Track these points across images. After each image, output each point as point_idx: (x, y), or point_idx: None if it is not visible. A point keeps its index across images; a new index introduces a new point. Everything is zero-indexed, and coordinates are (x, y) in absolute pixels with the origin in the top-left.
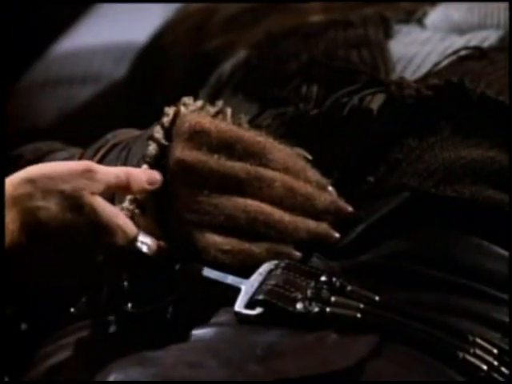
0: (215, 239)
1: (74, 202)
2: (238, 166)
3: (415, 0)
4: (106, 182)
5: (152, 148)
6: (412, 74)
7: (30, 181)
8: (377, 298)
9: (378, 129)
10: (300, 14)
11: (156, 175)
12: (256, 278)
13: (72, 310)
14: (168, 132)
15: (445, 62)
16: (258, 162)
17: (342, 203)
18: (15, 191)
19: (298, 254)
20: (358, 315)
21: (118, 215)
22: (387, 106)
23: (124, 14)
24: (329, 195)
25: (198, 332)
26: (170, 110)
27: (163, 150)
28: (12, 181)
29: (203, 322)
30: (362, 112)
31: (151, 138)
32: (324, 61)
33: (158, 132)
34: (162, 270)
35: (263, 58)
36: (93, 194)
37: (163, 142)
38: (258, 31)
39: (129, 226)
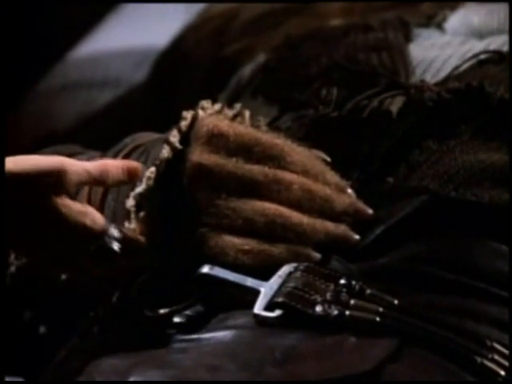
0: (234, 241)
1: (40, 204)
2: (256, 169)
3: (436, 0)
4: (78, 181)
5: (165, 151)
6: (432, 77)
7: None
8: (396, 302)
9: (398, 131)
10: (320, 17)
11: (135, 165)
12: (275, 281)
13: (91, 313)
14: (186, 136)
15: (464, 66)
16: (276, 164)
17: (361, 205)
18: None
19: (317, 255)
20: (377, 319)
21: (85, 214)
22: (407, 108)
23: (144, 17)
24: (347, 197)
25: (216, 335)
26: (187, 114)
27: (177, 154)
28: None
29: (222, 325)
30: (381, 115)
31: (166, 141)
32: (344, 64)
33: (174, 136)
34: (181, 273)
35: (283, 62)
36: (62, 194)
37: (177, 145)
38: (277, 35)
39: (96, 223)
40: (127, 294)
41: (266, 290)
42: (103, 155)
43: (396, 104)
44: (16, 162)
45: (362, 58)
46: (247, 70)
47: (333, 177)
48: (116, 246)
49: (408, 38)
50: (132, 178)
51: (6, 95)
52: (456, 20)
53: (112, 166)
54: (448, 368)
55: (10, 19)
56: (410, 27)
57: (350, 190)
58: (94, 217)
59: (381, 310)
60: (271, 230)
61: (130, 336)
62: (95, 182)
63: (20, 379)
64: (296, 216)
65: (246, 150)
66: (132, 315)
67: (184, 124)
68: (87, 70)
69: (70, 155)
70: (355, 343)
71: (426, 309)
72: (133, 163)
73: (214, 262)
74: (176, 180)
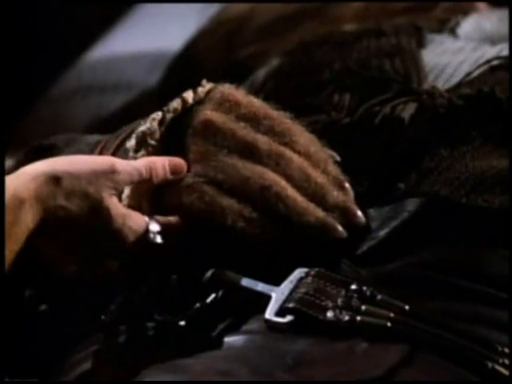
0: (234, 205)
1: (94, 206)
2: (260, 138)
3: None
4: (129, 181)
5: (176, 102)
6: (444, 83)
7: (56, 179)
8: (407, 307)
9: (410, 137)
10: (333, 22)
11: (180, 163)
12: (286, 286)
13: (102, 317)
14: (199, 101)
15: (477, 72)
16: (281, 141)
17: (353, 206)
18: (39, 188)
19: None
20: (388, 324)
21: (126, 214)
22: (419, 114)
23: (156, 22)
24: (343, 194)
25: (228, 339)
26: (206, 84)
27: (186, 109)
28: (35, 176)
29: (233, 330)
30: (393, 121)
31: (179, 96)
32: (357, 69)
33: (187, 94)
34: (192, 278)
35: (296, 66)
36: (111, 197)
37: (189, 100)
38: (290, 39)
39: (138, 222)
40: (137, 298)
41: (277, 295)
42: (102, 140)
43: (408, 110)
44: (71, 162)
45: (374, 64)
46: (260, 75)
47: (334, 169)
48: (159, 238)
49: (421, 44)
50: (176, 173)
51: (19, 98)
52: (468, 26)
53: (159, 165)
54: (459, 373)
55: (24, 22)
56: (422, 33)
57: (348, 187)
58: (135, 216)
59: (392, 315)
60: (265, 197)
61: (141, 340)
62: (144, 181)
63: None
64: (291, 190)
65: (255, 120)
66: (144, 319)
67: (201, 89)
68: (100, 74)
69: (69, 141)
70: (366, 349)
71: (436, 314)
72: (176, 159)
73: (209, 221)
74: (179, 131)
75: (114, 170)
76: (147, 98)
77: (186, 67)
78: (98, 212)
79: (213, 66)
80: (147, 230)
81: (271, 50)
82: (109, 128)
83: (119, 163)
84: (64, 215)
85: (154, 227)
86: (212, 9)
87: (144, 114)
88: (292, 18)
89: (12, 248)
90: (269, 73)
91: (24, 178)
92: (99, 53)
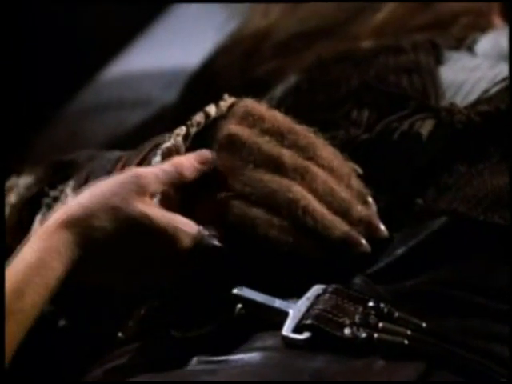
0: (264, 216)
1: (127, 215)
2: (285, 152)
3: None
4: (158, 182)
5: (199, 116)
6: (462, 100)
7: (83, 205)
8: (424, 325)
9: (428, 154)
10: (351, 39)
11: (206, 153)
12: (304, 303)
13: (119, 334)
14: (221, 115)
15: (494, 89)
16: (305, 155)
17: (376, 220)
18: (69, 216)
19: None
20: (406, 342)
21: (174, 218)
22: (437, 131)
23: (175, 38)
24: (365, 208)
25: (245, 356)
26: (228, 98)
27: (208, 123)
28: (65, 207)
29: (250, 346)
30: (411, 137)
31: (202, 110)
32: (375, 86)
33: (210, 107)
34: (209, 294)
35: (314, 83)
36: (144, 201)
37: (212, 113)
38: (308, 56)
39: (189, 225)
40: (154, 314)
41: (295, 311)
42: (123, 156)
43: (426, 127)
44: (90, 187)
45: (392, 80)
46: (278, 91)
47: (357, 183)
48: (216, 241)
49: (438, 61)
50: (205, 165)
51: (36, 115)
52: (486, 43)
53: (185, 160)
54: None
55: (41, 40)
56: (440, 50)
57: (370, 200)
58: (183, 220)
59: (409, 332)
60: (292, 210)
61: (157, 356)
62: (175, 181)
63: None
64: (317, 204)
65: (280, 134)
66: (160, 336)
67: (223, 103)
68: (117, 91)
69: (89, 157)
70: (384, 366)
71: (453, 332)
72: (203, 152)
73: (238, 231)
74: (203, 145)
75: (137, 176)
76: (165, 114)
77: (203, 84)
78: (134, 220)
79: (230, 82)
80: (201, 233)
81: (289, 66)
82: (126, 145)
83: (141, 169)
84: (101, 235)
85: (209, 230)
86: (230, 26)
87: (161, 131)
88: (310, 35)
89: (40, 291)
90: (287, 90)
91: (46, 229)
92: (117, 69)
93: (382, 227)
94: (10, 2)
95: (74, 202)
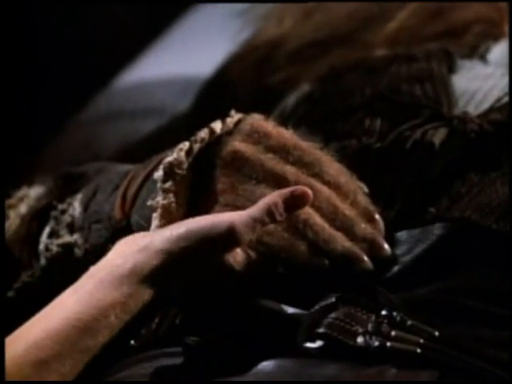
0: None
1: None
2: (289, 170)
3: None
4: (251, 235)
5: (203, 132)
6: (474, 108)
7: (171, 256)
8: (436, 333)
9: (440, 163)
10: (364, 47)
11: (302, 189)
12: (317, 311)
13: (132, 342)
14: (227, 132)
15: (507, 98)
16: (310, 171)
17: (380, 239)
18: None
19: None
20: (418, 350)
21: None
22: (450, 139)
23: (188, 46)
24: (371, 226)
25: (258, 364)
26: (235, 114)
27: (213, 139)
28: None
29: (264, 354)
30: (424, 146)
31: (207, 126)
32: (387, 95)
33: (215, 124)
34: (222, 302)
35: (327, 92)
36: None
37: (217, 130)
38: (321, 65)
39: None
40: (168, 322)
41: (308, 320)
42: (131, 170)
43: (439, 135)
44: (187, 231)
45: (405, 89)
46: (291, 100)
47: (363, 200)
48: None
49: (451, 69)
50: (300, 206)
51: (49, 123)
52: (499, 51)
53: (278, 201)
54: None
55: (54, 48)
56: (453, 58)
57: (378, 218)
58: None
59: (422, 341)
60: (293, 224)
61: (172, 365)
62: (269, 222)
63: None
64: (319, 219)
65: (285, 151)
66: (173, 344)
67: (229, 120)
68: (131, 99)
69: (99, 170)
70: (396, 374)
71: (466, 340)
72: (298, 187)
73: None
74: (207, 161)
75: (232, 232)
76: (178, 122)
77: (216, 92)
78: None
79: (243, 91)
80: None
81: (302, 75)
82: (139, 153)
83: (238, 221)
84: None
85: None
86: (243, 34)
87: (175, 140)
88: (323, 44)
89: (121, 316)
90: (299, 98)
91: (148, 254)
92: (130, 77)
93: (386, 246)
94: (25, 8)
95: (167, 246)
